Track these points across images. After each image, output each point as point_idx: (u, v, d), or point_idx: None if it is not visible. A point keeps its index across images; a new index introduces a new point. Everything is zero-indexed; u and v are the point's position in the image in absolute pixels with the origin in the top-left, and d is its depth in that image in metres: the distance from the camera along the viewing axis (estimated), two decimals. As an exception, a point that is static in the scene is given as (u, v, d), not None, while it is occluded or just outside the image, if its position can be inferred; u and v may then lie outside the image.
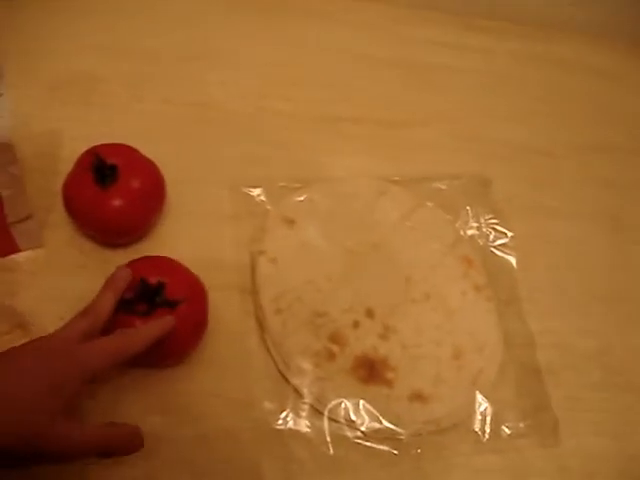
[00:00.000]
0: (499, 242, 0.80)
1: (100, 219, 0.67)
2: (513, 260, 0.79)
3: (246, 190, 0.76)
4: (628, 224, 0.89)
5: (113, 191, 0.65)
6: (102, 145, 0.67)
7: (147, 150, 0.70)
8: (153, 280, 0.60)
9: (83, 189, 0.66)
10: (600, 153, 0.96)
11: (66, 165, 0.69)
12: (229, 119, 0.84)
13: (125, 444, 0.55)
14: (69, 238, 0.71)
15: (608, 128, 0.99)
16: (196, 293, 0.63)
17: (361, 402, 0.66)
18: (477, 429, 0.68)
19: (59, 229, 0.71)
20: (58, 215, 0.71)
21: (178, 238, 0.73)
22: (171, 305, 0.59)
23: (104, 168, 0.65)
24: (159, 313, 0.59)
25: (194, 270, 0.64)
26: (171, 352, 0.63)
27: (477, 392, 0.69)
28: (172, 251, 0.66)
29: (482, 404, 0.69)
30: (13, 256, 0.69)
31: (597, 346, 0.78)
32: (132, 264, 0.63)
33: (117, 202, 0.66)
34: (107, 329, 0.57)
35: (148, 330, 0.56)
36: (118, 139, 0.69)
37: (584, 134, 0.98)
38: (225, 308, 0.67)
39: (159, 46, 0.88)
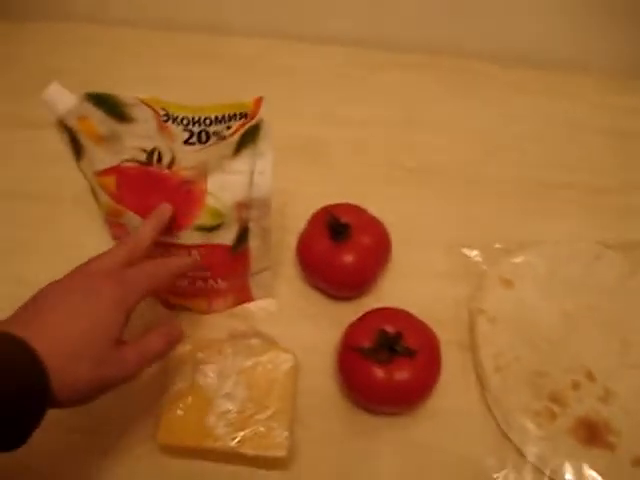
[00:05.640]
0: None
1: (333, 272, 0.80)
2: None
3: (463, 250, 0.89)
4: None
5: (346, 247, 0.78)
6: (335, 205, 0.81)
7: (371, 210, 0.83)
8: (391, 330, 0.72)
9: (318, 244, 0.80)
10: None
11: (293, 222, 0.85)
12: (447, 183, 0.99)
13: (167, 343, 0.62)
14: (298, 290, 0.85)
15: None
16: (431, 342, 0.74)
17: (583, 464, 0.73)
18: None
19: (289, 281, 0.86)
20: (287, 268, 0.86)
21: (399, 294, 0.85)
22: (410, 354, 0.70)
23: (338, 226, 0.78)
24: (398, 361, 0.71)
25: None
26: (409, 401, 0.74)
27: (703, 462, 0.71)
28: (392, 306, 0.78)
29: None
30: (247, 305, 0.84)
31: None
32: (369, 314, 0.75)
33: (349, 257, 0.78)
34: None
35: (179, 258, 0.68)
36: (342, 199, 0.84)
37: None
38: (445, 363, 0.76)
39: (376, 114, 1.07)
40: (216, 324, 0.80)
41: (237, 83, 1.00)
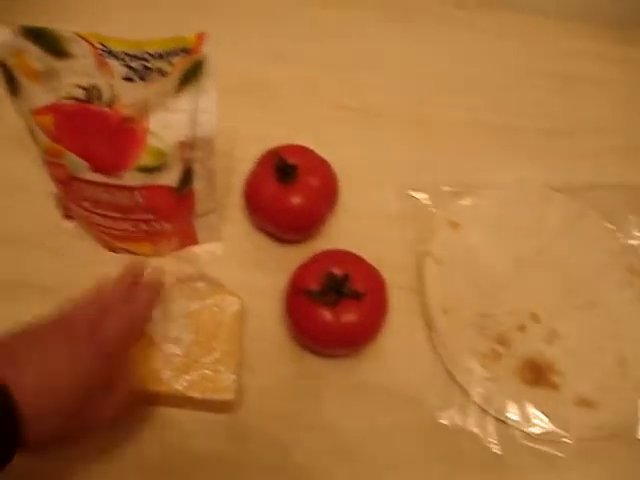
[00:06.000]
0: (663, 253, 0.84)
1: (280, 214, 0.79)
2: (680, 272, 0.82)
3: (412, 193, 0.88)
4: None
5: (293, 189, 0.77)
6: (283, 146, 0.79)
7: (318, 151, 0.82)
8: (338, 272, 0.71)
9: (265, 186, 0.78)
10: None
11: (240, 163, 0.83)
12: (396, 125, 0.97)
13: (130, 408, 0.64)
14: (245, 234, 0.84)
15: None
16: (378, 285, 0.74)
17: (527, 404, 0.74)
18: (643, 437, 0.71)
19: (235, 224, 0.84)
20: (234, 211, 0.84)
21: (347, 237, 0.84)
22: (357, 296, 0.70)
23: (285, 167, 0.77)
24: (345, 304, 0.70)
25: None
26: (355, 342, 0.74)
27: (643, 400, 0.73)
28: (341, 249, 0.77)
29: (648, 413, 0.72)
30: (191, 248, 0.82)
31: None
32: (317, 257, 0.74)
33: (297, 199, 0.77)
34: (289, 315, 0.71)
35: (146, 295, 0.65)
36: (292, 141, 0.82)
37: None
38: (393, 305, 0.77)
39: (327, 54, 1.04)
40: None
41: (186, 20, 0.96)
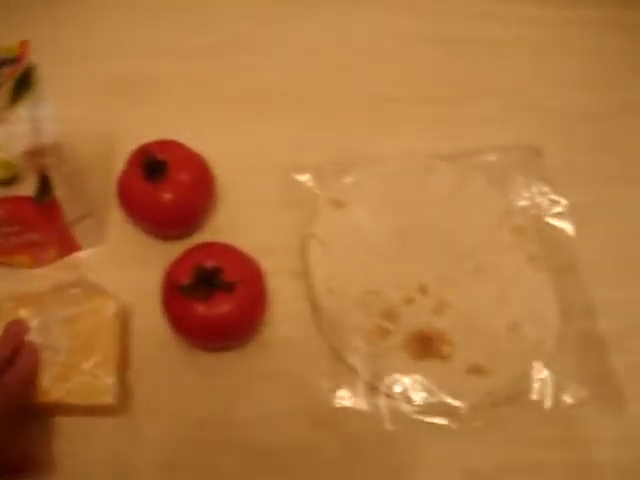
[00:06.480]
0: (554, 211, 0.87)
1: (152, 213, 0.78)
2: (570, 229, 0.86)
3: (294, 176, 0.87)
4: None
5: (163, 186, 0.77)
6: (152, 142, 0.79)
7: (197, 144, 0.81)
8: (209, 265, 0.71)
9: (135, 185, 0.77)
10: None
11: (122, 163, 0.81)
12: (273, 107, 0.96)
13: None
14: (128, 234, 0.83)
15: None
16: (252, 274, 0.73)
17: (417, 377, 0.74)
18: (538, 399, 0.75)
19: (118, 226, 0.84)
20: (117, 212, 0.83)
21: (231, 228, 0.84)
22: (228, 287, 0.70)
23: (152, 164, 0.76)
24: (218, 296, 0.70)
25: (248, 257, 0.73)
26: (233, 334, 0.74)
27: (536, 362, 0.76)
28: (226, 241, 0.77)
29: (542, 374, 0.76)
30: (76, 254, 0.82)
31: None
32: (188, 252, 0.74)
33: (167, 196, 0.77)
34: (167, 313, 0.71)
35: (30, 357, 0.70)
36: (169, 135, 0.81)
37: (637, 94, 1.02)
38: (279, 292, 0.77)
39: (202, 42, 1.01)
40: (43, 278, 0.79)
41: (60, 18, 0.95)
